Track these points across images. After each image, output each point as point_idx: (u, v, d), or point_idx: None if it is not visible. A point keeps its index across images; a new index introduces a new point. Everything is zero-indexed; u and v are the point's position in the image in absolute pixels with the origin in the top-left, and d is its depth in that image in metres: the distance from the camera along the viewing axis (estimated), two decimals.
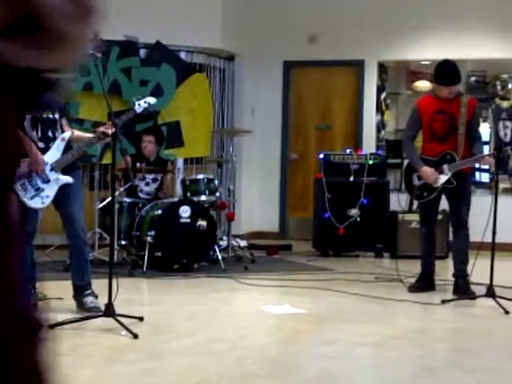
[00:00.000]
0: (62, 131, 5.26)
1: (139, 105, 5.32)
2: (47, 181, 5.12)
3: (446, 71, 6.26)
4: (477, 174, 10.03)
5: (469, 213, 6.33)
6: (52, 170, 5.14)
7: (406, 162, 10.66)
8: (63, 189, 5.20)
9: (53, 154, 5.16)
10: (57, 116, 5.23)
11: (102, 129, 5.14)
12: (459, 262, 6.36)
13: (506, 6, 9.99)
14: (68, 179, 5.18)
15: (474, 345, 4.68)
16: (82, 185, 5.64)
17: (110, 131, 5.06)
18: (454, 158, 6.25)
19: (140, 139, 8.42)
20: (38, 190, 5.10)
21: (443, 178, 6.26)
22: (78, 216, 5.25)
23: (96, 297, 5.23)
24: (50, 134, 5.19)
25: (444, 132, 6.32)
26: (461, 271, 6.34)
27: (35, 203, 5.10)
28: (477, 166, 7.09)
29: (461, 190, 6.30)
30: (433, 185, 6.29)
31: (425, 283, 6.54)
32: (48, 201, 5.14)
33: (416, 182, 6.42)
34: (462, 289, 6.25)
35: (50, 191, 5.14)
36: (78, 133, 5.43)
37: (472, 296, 6.12)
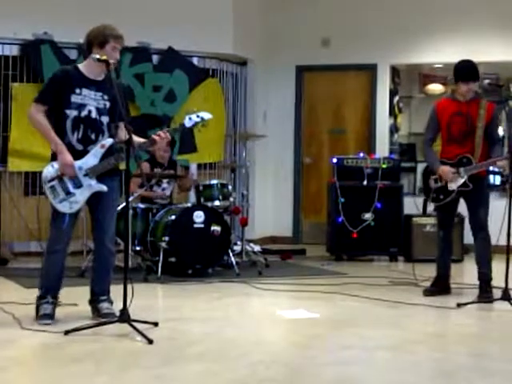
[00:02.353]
0: (111, 136, 5.12)
1: (190, 119, 5.18)
2: (79, 186, 4.99)
3: (463, 68, 6.29)
4: (490, 177, 9.98)
5: (487, 216, 6.28)
6: (86, 175, 5.00)
7: (420, 165, 10.71)
8: (99, 195, 5.07)
9: (89, 160, 5.02)
10: (104, 119, 5.09)
11: (158, 135, 5.08)
12: (480, 265, 6.31)
13: None
14: (102, 187, 5.04)
15: (489, 348, 4.66)
16: (118, 195, 5.39)
17: (160, 138, 5.06)
18: (470, 161, 6.22)
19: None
20: (69, 194, 4.97)
21: (459, 181, 6.24)
22: (109, 225, 5.17)
23: (111, 303, 5.21)
24: (92, 136, 5.04)
25: (461, 134, 6.29)
26: (483, 275, 6.29)
27: (63, 207, 4.99)
28: (491, 168, 7.03)
29: (478, 192, 6.27)
30: (449, 186, 6.27)
31: (440, 286, 6.51)
32: (77, 206, 5.02)
33: (433, 184, 6.41)
34: (484, 293, 6.20)
35: (81, 197, 5.00)
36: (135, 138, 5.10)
37: (487, 300, 6.09)
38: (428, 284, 6.72)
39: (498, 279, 6.08)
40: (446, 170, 6.28)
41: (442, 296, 6.36)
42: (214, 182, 8.01)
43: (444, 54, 10.15)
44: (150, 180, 7.89)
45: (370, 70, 10.62)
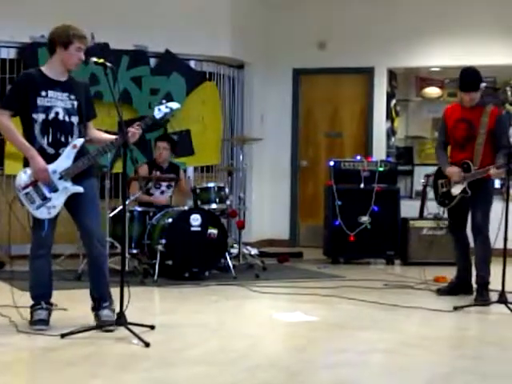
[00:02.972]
0: (81, 136, 5.02)
1: (159, 110, 5.09)
2: (55, 190, 4.89)
3: (465, 78, 6.35)
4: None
5: (486, 219, 6.30)
6: (61, 178, 4.89)
7: (417, 168, 10.72)
8: (77, 198, 4.96)
9: (62, 162, 4.91)
10: (74, 120, 4.99)
11: (130, 129, 4.93)
12: (478, 269, 6.34)
13: None
14: (78, 189, 4.94)
15: (486, 351, 4.66)
16: (97, 193, 5.24)
17: (135, 130, 4.93)
18: (469, 167, 6.26)
19: (154, 146, 8.48)
20: (45, 199, 4.87)
21: (459, 188, 6.28)
22: (94, 227, 5.02)
23: (113, 310, 5.02)
24: (62, 139, 4.94)
25: (463, 140, 6.38)
26: (480, 278, 6.31)
27: (41, 213, 4.89)
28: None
29: (478, 196, 6.30)
30: (452, 191, 6.33)
31: (456, 287, 6.58)
32: (55, 211, 4.92)
33: (440, 189, 6.50)
34: (481, 297, 6.22)
35: (58, 201, 4.90)
36: (100, 135, 5.17)
37: (483, 303, 6.10)
38: (423, 287, 6.76)
39: (494, 282, 6.08)
40: (453, 169, 6.35)
41: (455, 296, 6.43)
42: (211, 184, 8.00)
43: (441, 57, 10.17)
44: (148, 183, 7.88)
45: (367, 73, 10.63)
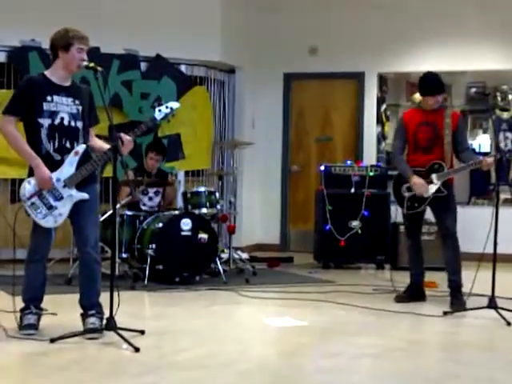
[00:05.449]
0: (85, 142, 4.98)
1: (160, 111, 5.08)
2: (60, 198, 4.84)
3: (429, 82, 6.41)
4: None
5: (456, 223, 6.36)
6: (65, 186, 4.85)
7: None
8: (78, 204, 4.91)
9: (65, 170, 4.86)
10: (79, 125, 4.95)
11: (126, 137, 4.91)
12: (450, 273, 6.39)
13: (505, 18, 10.02)
14: (83, 195, 4.90)
15: (475, 356, 4.67)
16: (98, 200, 5.16)
17: (130, 141, 4.93)
18: (442, 167, 6.31)
19: (145, 155, 8.45)
20: (51, 208, 4.82)
21: (433, 188, 6.32)
22: (90, 232, 4.96)
23: (100, 315, 4.98)
24: (67, 145, 4.89)
25: (428, 143, 6.41)
26: (453, 282, 6.35)
27: (47, 222, 4.85)
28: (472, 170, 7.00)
29: (446, 200, 6.35)
30: (423, 195, 6.34)
31: (413, 294, 6.60)
32: (61, 219, 4.88)
33: (406, 193, 6.46)
34: (456, 300, 6.25)
35: (64, 209, 4.86)
36: (96, 143, 5.10)
37: (462, 307, 6.13)
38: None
39: (484, 287, 6.07)
40: (418, 182, 6.33)
41: (413, 303, 6.43)
42: (202, 189, 8.00)
43: (431, 62, 10.17)
44: (138, 187, 7.87)
45: (358, 78, 10.65)
